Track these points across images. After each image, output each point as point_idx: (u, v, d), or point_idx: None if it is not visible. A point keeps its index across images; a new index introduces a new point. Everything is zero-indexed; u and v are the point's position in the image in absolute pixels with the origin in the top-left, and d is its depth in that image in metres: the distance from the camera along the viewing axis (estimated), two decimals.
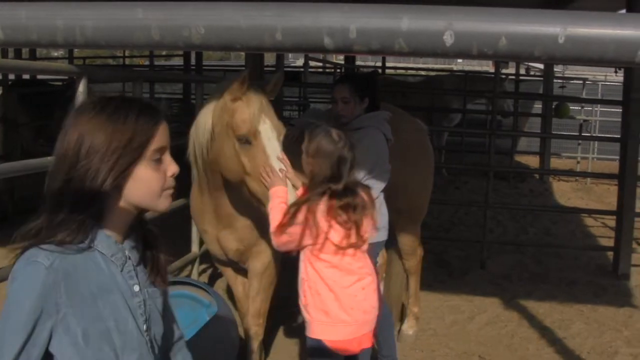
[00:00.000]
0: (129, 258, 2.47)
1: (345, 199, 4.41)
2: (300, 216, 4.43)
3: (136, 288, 2.45)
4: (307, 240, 4.46)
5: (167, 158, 2.43)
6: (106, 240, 2.38)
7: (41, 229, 2.28)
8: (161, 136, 2.39)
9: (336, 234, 4.42)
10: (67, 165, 2.29)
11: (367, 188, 4.67)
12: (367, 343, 4.70)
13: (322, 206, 4.40)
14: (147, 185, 2.37)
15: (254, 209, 5.17)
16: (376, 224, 4.65)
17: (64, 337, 2.23)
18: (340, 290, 4.49)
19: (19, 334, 2.15)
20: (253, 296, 5.66)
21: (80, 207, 2.28)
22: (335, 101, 5.99)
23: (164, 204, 2.46)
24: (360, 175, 5.53)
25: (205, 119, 4.87)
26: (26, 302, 2.17)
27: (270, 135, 4.69)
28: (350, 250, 4.49)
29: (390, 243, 6.96)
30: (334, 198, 4.42)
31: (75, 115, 2.37)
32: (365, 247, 4.61)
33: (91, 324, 2.27)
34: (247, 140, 4.67)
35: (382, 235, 5.94)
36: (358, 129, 5.76)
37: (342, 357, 4.69)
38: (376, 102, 6.09)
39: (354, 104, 5.88)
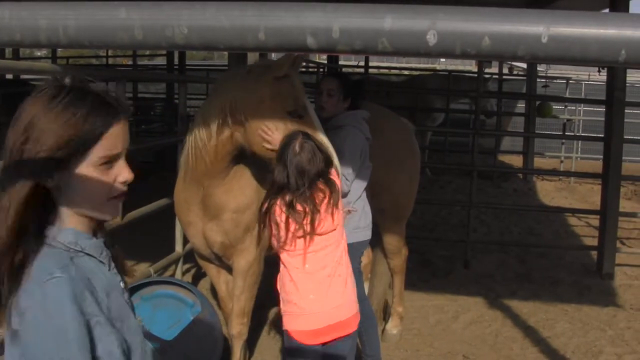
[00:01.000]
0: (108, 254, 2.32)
1: (298, 194, 4.54)
2: (266, 221, 4.63)
3: (122, 285, 2.32)
4: (278, 239, 4.62)
5: (121, 163, 2.20)
6: (88, 239, 2.21)
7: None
8: (113, 140, 2.15)
9: (292, 225, 4.55)
10: (14, 152, 2.09)
11: (330, 183, 4.70)
12: (339, 332, 4.70)
13: (277, 205, 4.57)
14: (89, 189, 2.16)
15: (242, 201, 5.45)
16: (339, 218, 4.70)
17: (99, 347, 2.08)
18: (303, 278, 4.60)
19: None
20: (237, 295, 5.65)
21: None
22: (321, 92, 6.06)
23: (110, 211, 2.26)
24: (349, 176, 5.60)
25: (231, 100, 5.00)
26: (68, 330, 2.00)
27: (312, 108, 5.09)
28: (312, 245, 4.58)
29: (375, 242, 6.97)
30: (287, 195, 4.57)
31: (32, 101, 2.12)
32: (329, 241, 4.65)
33: (112, 329, 2.13)
34: (300, 114, 4.95)
35: (366, 235, 5.96)
36: (337, 127, 5.83)
37: (315, 352, 4.72)
38: (357, 107, 6.14)
39: (337, 100, 5.97)
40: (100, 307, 2.11)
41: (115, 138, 2.15)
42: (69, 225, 2.17)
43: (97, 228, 2.32)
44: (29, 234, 2.08)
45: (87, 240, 2.21)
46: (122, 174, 2.20)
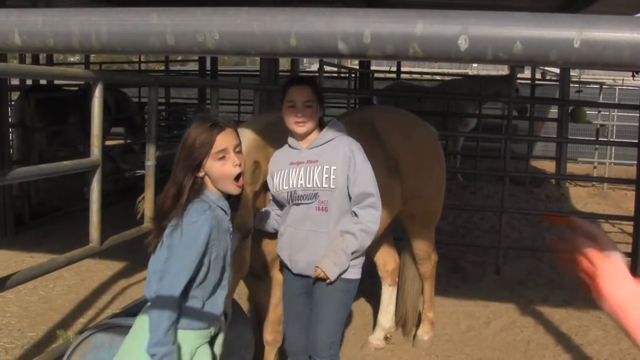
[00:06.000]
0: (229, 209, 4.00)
1: None
2: None
3: (230, 228, 4.03)
4: None
5: (230, 155, 3.82)
6: (219, 199, 3.90)
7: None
8: (220, 142, 3.79)
9: None
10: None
11: None
12: None
13: None
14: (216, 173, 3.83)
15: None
16: None
17: (205, 258, 3.78)
18: None
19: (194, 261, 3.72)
20: (275, 304, 5.80)
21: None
22: (294, 106, 5.04)
23: (233, 188, 3.89)
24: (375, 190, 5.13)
25: None
26: (201, 239, 3.70)
27: None
28: None
29: (404, 248, 6.97)
30: None
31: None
32: None
33: (219, 250, 3.86)
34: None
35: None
36: (327, 142, 5.13)
37: None
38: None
39: (316, 109, 5.09)
40: (218, 236, 3.83)
41: (220, 141, 3.82)
42: (213, 192, 3.89)
43: (227, 196, 3.99)
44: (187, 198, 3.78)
45: (221, 201, 3.92)
46: (234, 160, 3.84)
